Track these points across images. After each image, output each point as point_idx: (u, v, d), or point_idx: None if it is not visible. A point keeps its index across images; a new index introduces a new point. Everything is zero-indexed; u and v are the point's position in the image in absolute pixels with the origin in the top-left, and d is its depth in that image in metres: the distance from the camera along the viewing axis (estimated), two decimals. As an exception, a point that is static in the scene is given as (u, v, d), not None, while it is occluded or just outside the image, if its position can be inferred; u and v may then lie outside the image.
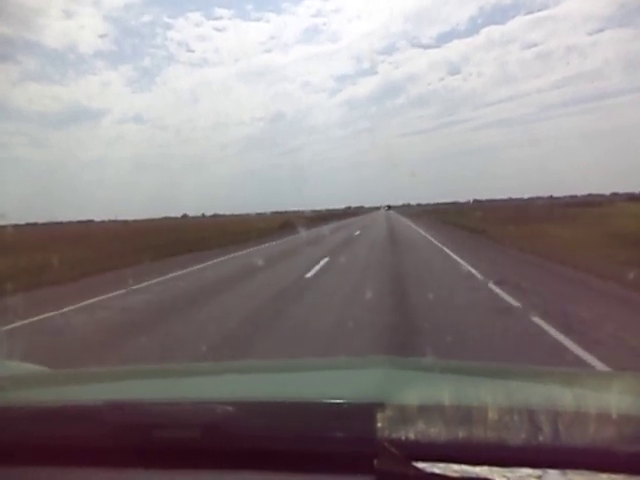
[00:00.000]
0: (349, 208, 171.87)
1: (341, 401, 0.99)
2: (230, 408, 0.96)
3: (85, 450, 0.96)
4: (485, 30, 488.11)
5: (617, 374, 1.78)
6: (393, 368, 1.47)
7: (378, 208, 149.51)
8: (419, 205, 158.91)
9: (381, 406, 0.90)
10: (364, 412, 0.92)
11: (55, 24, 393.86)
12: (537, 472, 0.80)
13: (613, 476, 0.79)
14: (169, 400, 1.11)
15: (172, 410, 1.00)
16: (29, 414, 1.03)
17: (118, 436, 0.97)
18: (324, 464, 0.89)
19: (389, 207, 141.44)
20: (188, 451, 0.94)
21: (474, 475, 0.81)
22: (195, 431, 0.93)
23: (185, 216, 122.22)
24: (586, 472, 0.80)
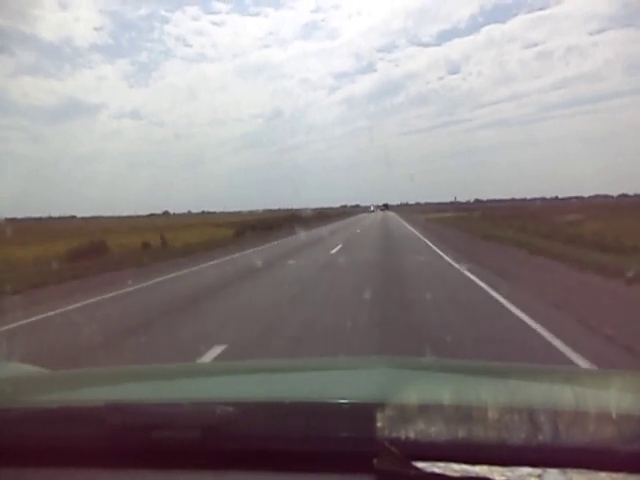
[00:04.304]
0: (345, 207, 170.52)
1: (341, 401, 1.02)
2: (230, 408, 0.98)
3: (85, 451, 0.98)
4: (486, 29, 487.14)
5: (616, 373, 1.83)
6: (393, 368, 1.51)
7: (368, 208, 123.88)
8: (418, 204, 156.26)
9: (381, 406, 0.93)
10: (364, 412, 0.95)
11: (50, 16, 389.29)
12: (537, 471, 0.83)
13: (613, 475, 0.82)
14: (169, 401, 1.14)
15: (172, 411, 1.03)
16: (29, 415, 1.05)
17: (118, 437, 0.99)
18: (324, 464, 0.91)
19: (386, 206, 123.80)
20: (188, 452, 0.96)
21: (474, 474, 0.84)
22: (195, 432, 0.96)
23: (166, 213, 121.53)
24: (586, 471, 0.83)
